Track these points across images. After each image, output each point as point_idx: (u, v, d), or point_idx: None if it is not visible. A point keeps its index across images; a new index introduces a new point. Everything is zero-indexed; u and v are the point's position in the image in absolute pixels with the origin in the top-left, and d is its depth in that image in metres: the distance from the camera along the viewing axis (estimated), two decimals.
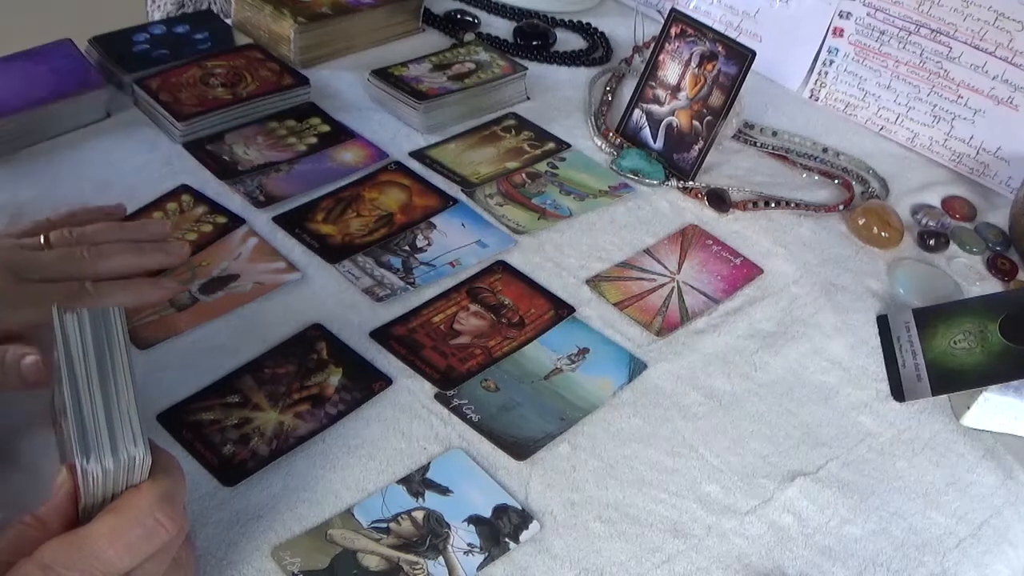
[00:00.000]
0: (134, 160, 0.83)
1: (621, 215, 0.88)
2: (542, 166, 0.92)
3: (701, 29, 0.92)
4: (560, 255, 0.82)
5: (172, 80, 0.90)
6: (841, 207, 0.93)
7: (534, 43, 1.11)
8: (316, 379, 0.67)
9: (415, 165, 0.89)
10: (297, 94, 0.93)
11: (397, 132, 0.93)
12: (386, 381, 0.68)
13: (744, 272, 0.84)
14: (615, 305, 0.78)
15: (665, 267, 0.83)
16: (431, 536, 0.59)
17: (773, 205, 0.91)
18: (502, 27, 1.14)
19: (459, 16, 1.13)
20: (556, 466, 0.65)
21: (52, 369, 0.53)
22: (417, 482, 0.62)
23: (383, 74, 0.96)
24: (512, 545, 0.59)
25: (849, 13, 1.07)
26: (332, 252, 0.78)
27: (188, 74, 0.91)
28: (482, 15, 1.16)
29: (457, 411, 0.67)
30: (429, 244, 0.81)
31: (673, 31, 0.94)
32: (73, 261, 0.63)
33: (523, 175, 0.91)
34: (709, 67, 0.91)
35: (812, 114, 1.09)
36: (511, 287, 0.78)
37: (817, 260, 0.87)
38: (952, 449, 0.72)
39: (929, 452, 0.71)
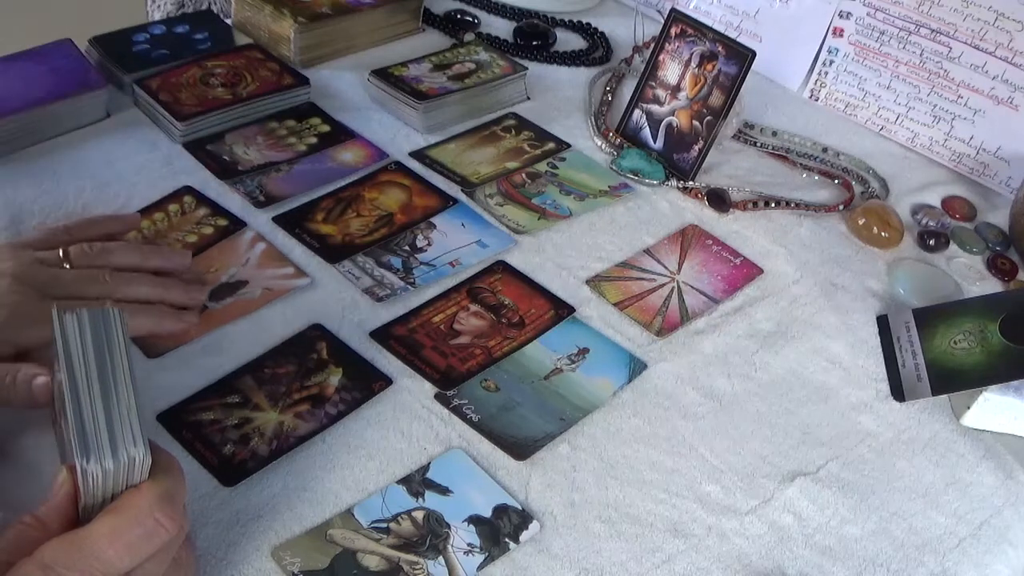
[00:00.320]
0: (134, 160, 0.83)
1: (621, 215, 0.88)
2: (542, 166, 0.92)
3: (701, 29, 0.92)
4: (560, 255, 0.82)
5: (172, 80, 0.90)
6: (841, 207, 0.93)
7: (534, 43, 1.11)
8: (316, 379, 0.67)
9: (415, 165, 0.89)
10: (297, 94, 0.93)
11: (397, 132, 0.93)
12: (386, 381, 0.68)
13: (744, 272, 0.84)
14: (615, 305, 0.78)
15: (665, 267, 0.83)
16: (431, 536, 0.59)
17: (773, 205, 0.91)
18: (502, 27, 1.14)
19: (459, 16, 1.13)
20: (556, 466, 0.65)
21: (52, 370, 0.53)
22: (417, 482, 0.62)
23: (383, 74, 0.96)
24: (512, 545, 0.59)
25: (849, 13, 1.07)
26: (332, 252, 0.78)
27: (188, 74, 0.91)
28: (482, 15, 1.16)
29: (457, 411, 0.67)
30: (429, 244, 0.81)
31: (673, 31, 0.94)
32: (95, 283, 0.64)
33: (523, 175, 0.91)
34: (709, 67, 0.91)
35: (812, 114, 1.09)
36: (511, 287, 0.78)
37: (817, 260, 0.87)
38: (952, 449, 0.72)
39: (929, 452, 0.71)
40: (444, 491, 0.61)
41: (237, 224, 0.79)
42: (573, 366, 0.72)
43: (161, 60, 0.92)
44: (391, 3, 1.05)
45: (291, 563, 0.56)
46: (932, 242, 0.91)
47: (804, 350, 0.78)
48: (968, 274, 0.90)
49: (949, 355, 0.75)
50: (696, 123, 0.92)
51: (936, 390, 0.73)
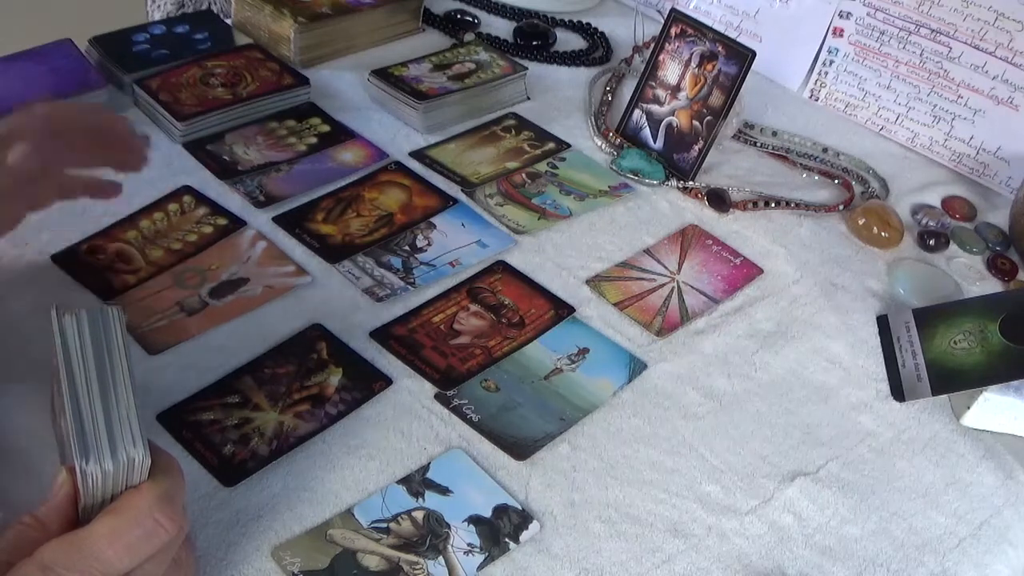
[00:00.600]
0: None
1: (621, 215, 0.88)
2: (542, 166, 0.92)
3: (701, 29, 0.92)
4: (560, 255, 0.82)
5: (172, 80, 0.90)
6: (841, 207, 0.93)
7: (534, 43, 1.11)
8: (316, 379, 0.67)
9: (415, 165, 0.89)
10: (297, 94, 0.93)
11: (397, 132, 0.93)
12: (386, 381, 0.68)
13: (744, 272, 0.84)
14: (615, 305, 0.78)
15: (665, 267, 0.83)
16: (431, 536, 0.59)
17: (773, 205, 0.91)
18: (502, 27, 1.14)
19: (459, 16, 1.13)
20: (556, 466, 0.65)
21: (52, 371, 0.53)
22: (417, 482, 0.62)
23: (383, 74, 0.96)
24: (512, 545, 0.59)
25: (849, 13, 1.07)
26: (332, 252, 0.78)
27: (188, 74, 0.91)
28: (482, 15, 1.16)
29: (457, 411, 0.67)
30: (429, 244, 0.81)
31: (673, 31, 0.94)
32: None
33: (523, 175, 0.91)
34: (709, 67, 0.91)
35: (812, 114, 1.09)
36: (511, 287, 0.78)
37: (817, 260, 0.87)
38: (952, 449, 0.72)
39: (929, 452, 0.71)
40: (444, 491, 0.61)
41: (237, 223, 0.79)
42: (573, 366, 0.72)
43: (161, 60, 0.92)
44: (391, 3, 1.05)
45: (291, 563, 0.56)
46: (932, 242, 0.91)
47: (804, 350, 0.78)
48: (968, 274, 0.90)
49: (949, 355, 0.75)
50: (696, 123, 0.92)
51: (936, 390, 0.73)
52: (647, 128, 0.96)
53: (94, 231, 0.76)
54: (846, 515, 0.66)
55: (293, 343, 0.70)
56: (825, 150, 1.02)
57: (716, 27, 0.92)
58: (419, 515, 0.60)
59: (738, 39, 0.90)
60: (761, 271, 0.85)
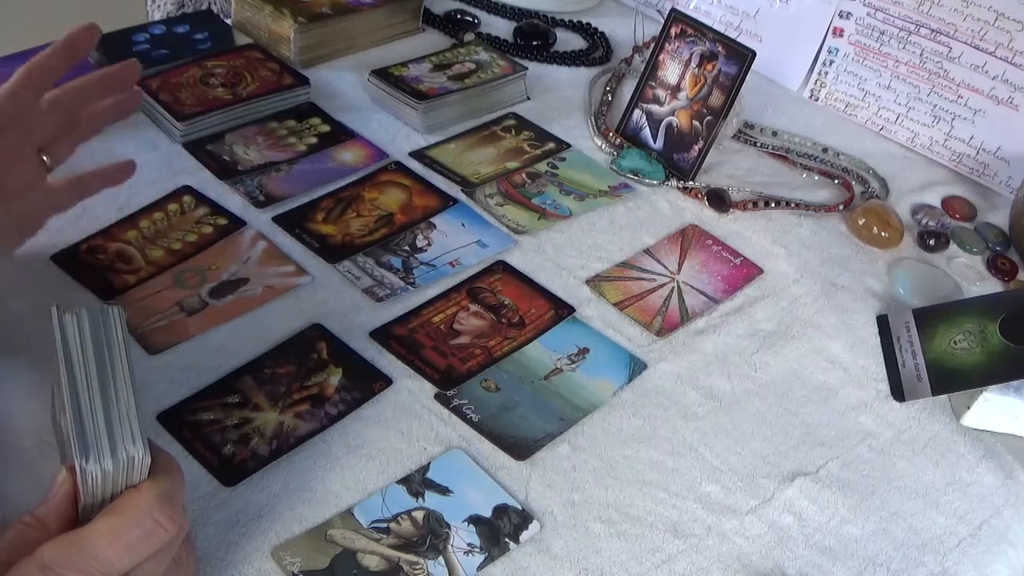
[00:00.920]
0: (134, 160, 0.83)
1: (621, 215, 0.88)
2: (542, 166, 0.92)
3: (701, 29, 0.92)
4: (560, 255, 0.82)
5: (172, 80, 0.90)
6: (841, 207, 0.93)
7: (534, 43, 1.11)
8: (316, 379, 0.67)
9: (415, 165, 0.89)
10: (297, 94, 0.93)
11: (397, 132, 0.93)
12: (386, 381, 0.68)
13: (744, 272, 0.84)
14: (615, 305, 0.78)
15: (665, 267, 0.83)
16: (431, 536, 0.59)
17: (773, 205, 0.91)
18: (502, 27, 1.14)
19: (459, 16, 1.13)
20: (556, 466, 0.65)
21: (52, 370, 0.53)
22: (417, 482, 0.62)
23: (383, 74, 0.96)
24: (512, 545, 0.59)
25: (849, 13, 1.07)
26: (332, 252, 0.78)
27: (188, 74, 0.91)
28: (482, 15, 1.16)
29: (457, 411, 0.67)
30: (429, 244, 0.81)
31: (673, 31, 0.94)
32: None
33: (523, 175, 0.91)
34: (709, 67, 0.91)
35: (812, 114, 1.09)
36: (511, 287, 0.78)
37: (817, 260, 0.87)
38: (952, 449, 0.72)
39: (929, 452, 0.71)
40: (444, 491, 0.61)
41: (237, 223, 0.79)
42: (573, 366, 0.72)
43: (161, 60, 0.92)
44: (391, 3, 1.05)
45: (291, 563, 0.56)
46: (932, 242, 0.91)
47: (804, 350, 0.78)
48: (968, 274, 0.90)
49: (949, 355, 0.75)
50: (696, 123, 0.92)
51: (936, 390, 0.73)
52: (647, 128, 0.96)
53: (94, 231, 0.76)
54: (846, 515, 0.66)
55: (293, 343, 0.69)
56: (825, 150, 1.02)
57: (716, 27, 0.92)
58: (419, 515, 0.60)
59: (738, 39, 0.90)
60: (761, 271, 0.85)
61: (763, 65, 1.02)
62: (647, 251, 0.85)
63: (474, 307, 0.75)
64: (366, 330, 0.72)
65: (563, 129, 0.98)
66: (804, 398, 0.74)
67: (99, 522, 0.45)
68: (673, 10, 0.95)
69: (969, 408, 0.73)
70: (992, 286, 0.89)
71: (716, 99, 0.91)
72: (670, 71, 0.94)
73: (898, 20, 1.04)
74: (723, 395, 0.73)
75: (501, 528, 0.60)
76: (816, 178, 0.98)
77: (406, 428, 0.65)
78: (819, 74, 1.11)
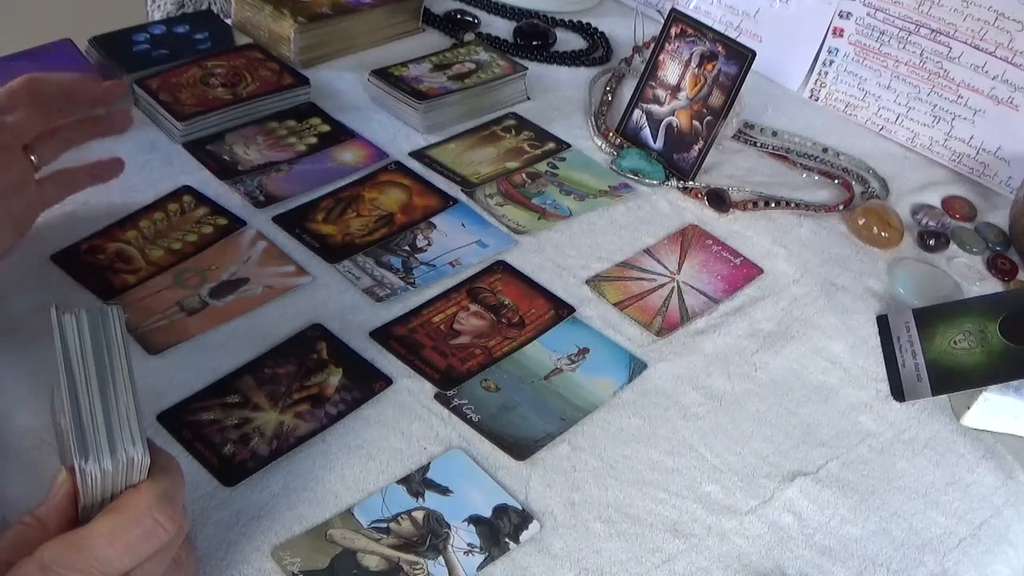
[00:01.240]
0: (134, 160, 0.83)
1: (621, 215, 0.88)
2: (542, 166, 0.92)
3: (701, 29, 0.92)
4: (560, 255, 0.82)
5: (172, 80, 0.90)
6: (841, 207, 0.93)
7: (534, 43, 1.11)
8: (316, 379, 0.67)
9: (415, 165, 0.89)
10: (297, 94, 0.93)
11: (397, 132, 0.93)
12: (386, 381, 0.68)
13: (744, 272, 0.84)
14: (615, 305, 0.78)
15: (665, 267, 0.83)
16: (431, 536, 0.59)
17: (773, 205, 0.91)
18: (502, 27, 1.14)
19: (459, 16, 1.13)
20: (556, 466, 0.65)
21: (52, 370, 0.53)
22: (417, 482, 0.62)
23: (383, 74, 0.96)
24: (512, 545, 0.59)
25: (849, 13, 1.07)
26: (332, 252, 0.78)
27: (188, 74, 0.91)
28: (482, 15, 1.16)
29: (457, 411, 0.67)
30: (429, 244, 0.81)
31: (673, 31, 0.94)
32: None
33: (523, 175, 0.91)
34: (709, 67, 0.91)
35: (812, 114, 1.09)
36: (511, 287, 0.78)
37: (817, 260, 0.87)
38: (952, 449, 0.72)
39: (929, 452, 0.71)
40: (444, 491, 0.61)
41: (237, 223, 0.79)
42: (573, 366, 0.72)
43: (161, 60, 0.92)
44: (391, 3, 1.05)
45: (291, 563, 0.56)
46: (932, 242, 0.91)
47: (804, 350, 0.78)
48: (968, 274, 0.90)
49: (949, 355, 0.75)
50: (696, 123, 0.92)
51: (936, 390, 0.73)
52: (647, 128, 0.96)
53: (94, 231, 0.76)
54: (846, 515, 0.66)
55: (293, 343, 0.70)
56: (825, 150, 1.02)
57: (716, 27, 0.92)
58: (419, 515, 0.60)
59: (738, 39, 0.90)
60: (761, 271, 0.85)
61: (763, 65, 1.02)
62: (647, 251, 0.85)
63: (474, 307, 0.75)
64: (366, 330, 0.72)
65: (563, 129, 0.98)
66: (804, 398, 0.74)
67: (99, 522, 0.45)
68: (673, 10, 0.95)
69: (969, 408, 0.73)
70: (992, 286, 0.89)
71: (716, 99, 0.91)
72: (670, 71, 0.94)
73: (898, 20, 1.04)
74: (723, 395, 0.73)
75: (501, 528, 0.60)
76: (816, 178, 0.98)
77: (406, 428, 0.65)
78: (819, 74, 1.11)
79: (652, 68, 0.95)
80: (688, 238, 0.87)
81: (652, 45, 0.97)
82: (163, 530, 0.46)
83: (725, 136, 0.97)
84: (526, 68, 1.02)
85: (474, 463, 0.64)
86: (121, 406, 0.46)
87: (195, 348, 0.68)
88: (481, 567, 0.58)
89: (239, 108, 0.89)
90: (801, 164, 1.00)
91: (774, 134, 1.04)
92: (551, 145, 0.96)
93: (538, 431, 0.67)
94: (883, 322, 0.81)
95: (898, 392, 0.75)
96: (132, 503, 0.46)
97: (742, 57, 0.89)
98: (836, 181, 0.98)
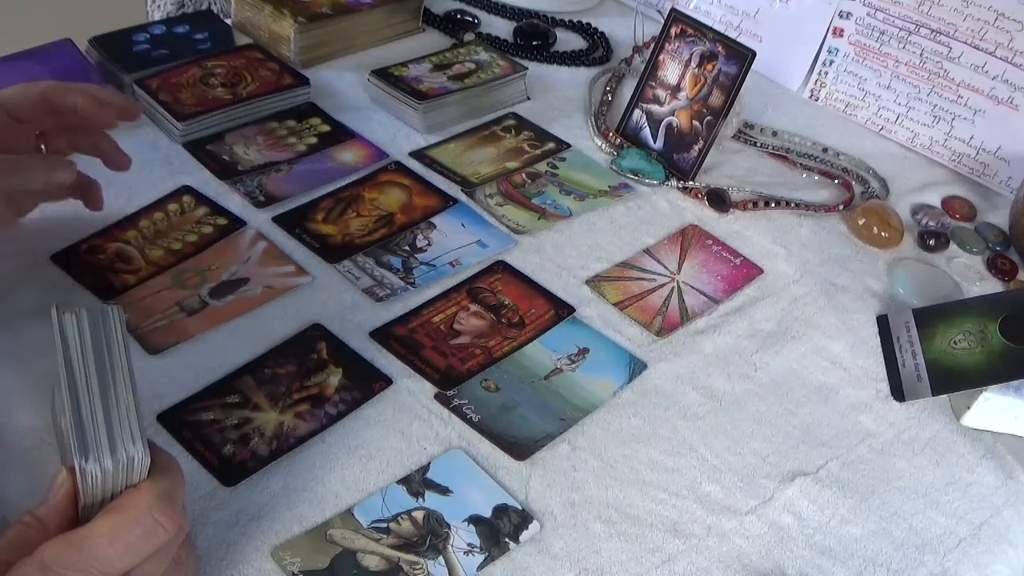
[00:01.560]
0: (134, 160, 0.83)
1: (621, 215, 0.88)
2: (542, 166, 0.92)
3: (701, 29, 0.92)
4: (560, 255, 0.82)
5: (172, 80, 0.90)
6: (841, 207, 0.93)
7: (534, 43, 1.11)
8: (316, 379, 0.67)
9: (415, 165, 0.89)
10: (297, 94, 0.93)
11: (397, 132, 0.93)
12: (386, 381, 0.68)
13: (744, 272, 0.84)
14: (615, 305, 0.78)
15: (665, 267, 0.83)
16: (431, 536, 0.59)
17: (773, 205, 0.91)
18: (502, 27, 1.14)
19: (459, 16, 1.13)
20: (556, 466, 0.65)
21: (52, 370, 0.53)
22: (417, 482, 0.62)
23: (383, 74, 0.96)
24: (512, 545, 0.59)
25: (849, 13, 1.07)
26: (332, 252, 0.78)
27: (188, 74, 0.91)
28: (482, 15, 1.16)
29: (457, 411, 0.67)
30: (429, 244, 0.81)
31: (673, 31, 0.94)
32: None
33: (523, 175, 0.91)
34: (709, 67, 0.91)
35: (812, 114, 1.09)
36: (511, 287, 0.78)
37: (817, 260, 0.87)
38: (952, 449, 0.72)
39: (929, 452, 0.71)
40: (444, 491, 0.61)
41: (237, 223, 0.79)
42: (573, 366, 0.72)
43: (161, 60, 0.92)
44: (391, 3, 1.05)
45: (291, 563, 0.56)
46: (932, 242, 0.91)
47: (804, 350, 0.78)
48: (968, 274, 0.90)
49: (949, 355, 0.75)
50: (696, 123, 0.92)
51: (936, 390, 0.73)
52: (647, 128, 0.96)
53: (94, 231, 0.76)
54: (846, 515, 0.66)
55: (293, 343, 0.69)
56: (825, 150, 1.02)
57: (716, 27, 0.92)
58: (419, 515, 0.60)
59: (738, 39, 0.90)
60: (761, 271, 0.85)
61: (763, 65, 1.02)
62: (647, 251, 0.85)
63: (474, 307, 0.75)
64: (366, 330, 0.72)
65: (563, 129, 0.98)
66: (804, 398, 0.74)
67: (99, 522, 0.45)
68: (673, 10, 0.95)
69: (969, 408, 0.73)
70: (992, 286, 0.89)
71: (716, 99, 0.91)
72: (670, 71, 0.94)
73: (898, 20, 1.04)
74: (723, 395, 0.73)
75: (501, 528, 0.60)
76: (816, 178, 0.98)
77: (406, 428, 0.65)
78: (819, 74, 1.11)
79: (652, 68, 0.95)
80: (688, 238, 0.87)
81: (652, 45, 0.97)
82: (163, 530, 0.46)
83: (725, 136, 0.97)
84: (526, 68, 1.02)
85: (474, 463, 0.64)
86: (121, 406, 0.46)
87: (195, 348, 0.68)
88: (481, 567, 0.58)
89: (239, 108, 0.89)
90: (801, 164, 1.00)
91: (774, 134, 1.04)
92: (551, 145, 0.96)
93: (538, 431, 0.67)
94: (883, 322, 0.81)
95: (898, 392, 0.75)
96: (132, 503, 0.46)
97: (742, 57, 0.89)
98: (836, 181, 0.98)
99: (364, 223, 0.81)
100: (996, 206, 1.00)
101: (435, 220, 0.83)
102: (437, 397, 0.68)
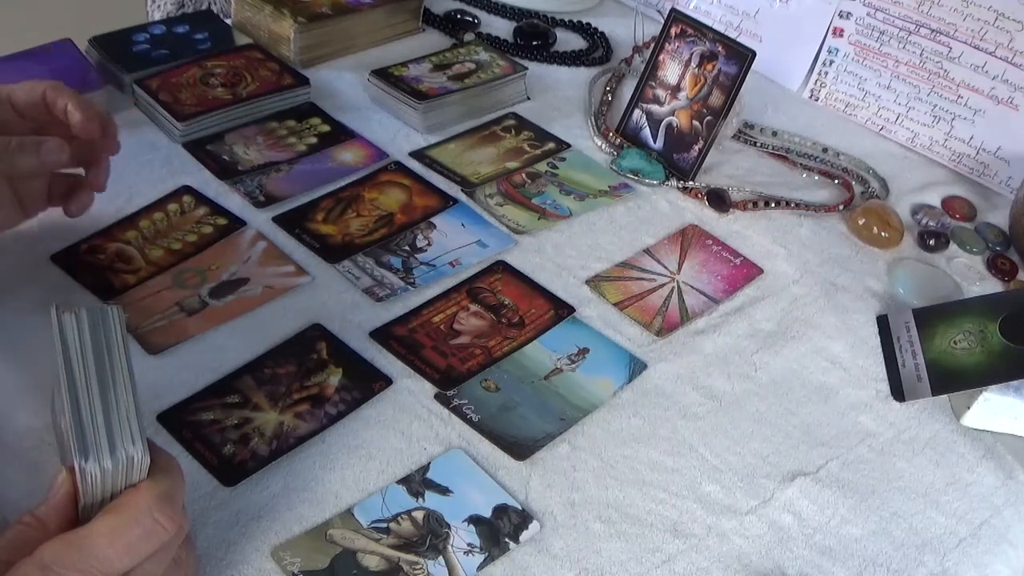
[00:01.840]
0: (134, 160, 0.83)
1: (621, 215, 0.88)
2: (542, 166, 0.92)
3: (701, 29, 0.92)
4: (560, 255, 0.82)
5: (172, 80, 0.90)
6: (841, 207, 0.93)
7: (534, 43, 1.11)
8: (316, 379, 0.67)
9: (415, 165, 0.89)
10: (297, 94, 0.93)
11: (397, 132, 0.93)
12: (386, 381, 0.68)
13: (744, 272, 0.84)
14: (615, 305, 0.78)
15: (665, 267, 0.83)
16: (431, 536, 0.59)
17: (773, 205, 0.91)
18: (502, 27, 1.14)
19: (459, 16, 1.13)
20: (556, 466, 0.65)
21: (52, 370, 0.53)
22: (417, 482, 0.62)
23: (383, 74, 0.96)
24: (512, 545, 0.59)
25: (849, 13, 1.07)
26: (332, 252, 0.78)
27: (188, 74, 0.91)
28: (482, 15, 1.16)
29: (457, 411, 0.67)
30: (429, 244, 0.81)
31: (673, 31, 0.94)
32: None
33: (523, 175, 0.91)
34: (709, 67, 0.91)
35: (812, 114, 1.09)
36: (511, 287, 0.78)
37: (817, 260, 0.87)
38: (952, 449, 0.72)
39: (929, 452, 0.71)
40: (444, 491, 0.61)
41: (237, 223, 0.79)
42: (573, 366, 0.72)
43: (161, 60, 0.92)
44: (391, 3, 1.05)
45: (291, 563, 0.56)
46: (932, 242, 0.91)
47: (804, 350, 0.78)
48: (968, 274, 0.90)
49: (949, 355, 0.75)
50: (696, 123, 0.92)
51: (936, 390, 0.73)
52: (647, 128, 0.96)
53: (94, 231, 0.76)
54: (846, 515, 0.66)
55: (293, 343, 0.69)
56: (825, 150, 1.02)
57: (716, 27, 0.92)
58: (419, 515, 0.60)
59: (738, 39, 0.90)
60: (761, 271, 0.85)
61: (763, 65, 1.02)
62: (647, 251, 0.85)
63: (474, 307, 0.75)
64: (366, 330, 0.72)
65: (563, 129, 0.98)
66: (804, 398, 0.74)
67: (99, 522, 0.45)
68: (673, 10, 0.95)
69: (969, 408, 0.73)
70: (992, 286, 0.89)
71: (716, 99, 0.91)
72: (670, 71, 0.94)
73: (898, 20, 1.04)
74: (723, 395, 0.72)
75: (501, 528, 0.60)
76: (816, 178, 0.98)
77: (406, 428, 0.65)
78: (819, 74, 1.11)
79: (652, 68, 0.95)
80: (688, 238, 0.87)
81: (652, 45, 0.97)
82: (163, 530, 0.46)
83: (725, 136, 0.97)
84: (526, 68, 1.02)
85: (474, 463, 0.64)
86: (121, 406, 0.46)
87: (195, 348, 0.68)
88: (481, 567, 0.58)
89: (239, 108, 0.89)
90: (801, 164, 1.00)
91: (774, 134, 1.04)
92: (551, 145, 0.96)
93: (538, 431, 0.67)
94: (883, 322, 0.81)
95: (898, 392, 0.75)
96: (132, 503, 0.46)
97: (742, 57, 0.89)
98: (836, 181, 0.98)
99: (364, 223, 0.81)
100: (996, 206, 1.00)
101: (435, 220, 0.83)
102: (437, 397, 0.68)
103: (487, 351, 0.72)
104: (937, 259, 0.91)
